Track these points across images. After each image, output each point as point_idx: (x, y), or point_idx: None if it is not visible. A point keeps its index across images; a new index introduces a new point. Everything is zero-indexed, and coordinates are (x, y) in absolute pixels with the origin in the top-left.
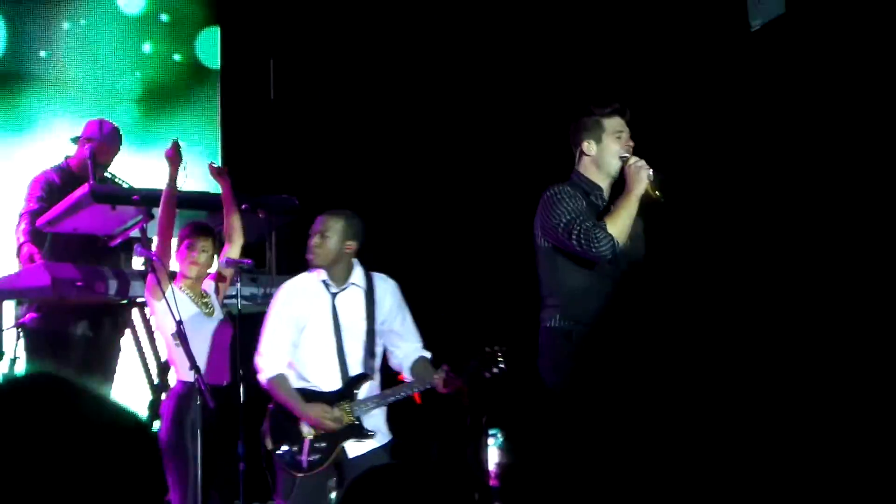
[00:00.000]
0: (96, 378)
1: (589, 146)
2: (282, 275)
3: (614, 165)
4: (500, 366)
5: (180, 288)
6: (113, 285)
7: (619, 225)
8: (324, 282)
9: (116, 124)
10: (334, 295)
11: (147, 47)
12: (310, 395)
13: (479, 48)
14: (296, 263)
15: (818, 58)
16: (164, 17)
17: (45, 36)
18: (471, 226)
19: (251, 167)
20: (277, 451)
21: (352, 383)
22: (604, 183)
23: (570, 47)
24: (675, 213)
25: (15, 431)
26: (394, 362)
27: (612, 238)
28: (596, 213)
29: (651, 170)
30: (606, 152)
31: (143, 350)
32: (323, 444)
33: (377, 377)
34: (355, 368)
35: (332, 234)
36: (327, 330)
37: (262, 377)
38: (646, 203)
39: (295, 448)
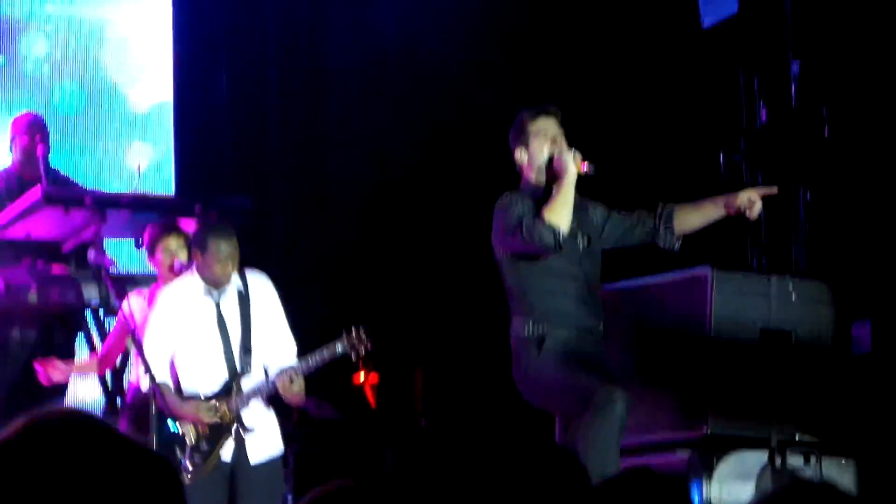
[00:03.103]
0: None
1: (521, 154)
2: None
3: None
4: (367, 345)
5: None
6: (66, 291)
7: (557, 212)
8: (206, 287)
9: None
10: (218, 300)
11: None
12: (188, 397)
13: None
14: (251, 265)
15: (769, 57)
16: None
17: None
18: (433, 233)
19: (204, 166)
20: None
21: (230, 381)
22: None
23: (521, 46)
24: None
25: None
26: (264, 362)
27: (552, 227)
28: None
29: (573, 150)
30: (536, 153)
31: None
32: (204, 447)
33: (254, 373)
34: (235, 367)
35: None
36: (213, 335)
37: (144, 385)
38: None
39: (179, 453)
